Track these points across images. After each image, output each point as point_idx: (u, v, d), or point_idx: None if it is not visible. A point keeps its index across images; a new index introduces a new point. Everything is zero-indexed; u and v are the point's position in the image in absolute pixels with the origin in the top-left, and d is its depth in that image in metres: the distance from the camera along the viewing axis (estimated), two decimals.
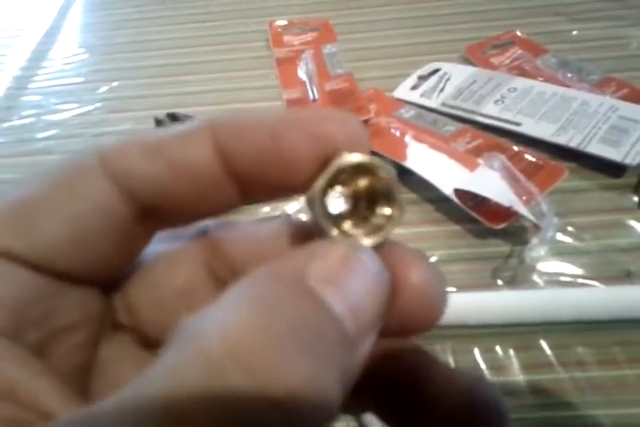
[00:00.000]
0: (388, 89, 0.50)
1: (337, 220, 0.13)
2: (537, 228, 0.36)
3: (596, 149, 0.41)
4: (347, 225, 0.13)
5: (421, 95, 0.49)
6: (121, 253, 0.13)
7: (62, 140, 0.51)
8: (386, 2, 0.62)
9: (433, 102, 0.48)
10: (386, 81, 0.51)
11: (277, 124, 0.13)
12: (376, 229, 0.13)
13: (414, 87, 0.50)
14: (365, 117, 0.46)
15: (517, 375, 0.32)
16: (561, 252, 0.37)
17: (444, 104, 0.48)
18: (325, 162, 0.12)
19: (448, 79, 0.50)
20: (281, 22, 0.60)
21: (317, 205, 0.12)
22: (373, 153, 0.45)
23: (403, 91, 0.50)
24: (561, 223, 0.37)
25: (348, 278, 0.11)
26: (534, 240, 0.36)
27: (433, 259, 0.38)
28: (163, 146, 0.13)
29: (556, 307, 0.33)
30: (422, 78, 0.51)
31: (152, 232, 0.14)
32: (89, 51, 0.61)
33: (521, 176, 0.39)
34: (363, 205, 0.13)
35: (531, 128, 0.44)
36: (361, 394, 0.13)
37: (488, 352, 0.33)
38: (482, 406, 0.12)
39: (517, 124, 0.44)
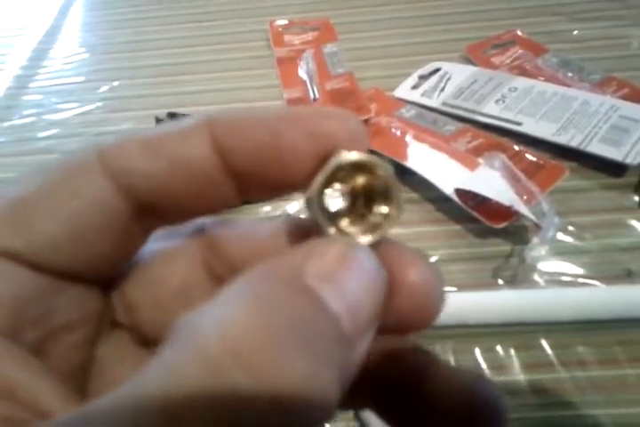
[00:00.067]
0: (389, 88, 0.50)
1: (334, 217, 0.13)
2: (538, 227, 0.36)
3: (596, 148, 0.41)
4: (344, 223, 0.13)
5: (422, 95, 0.49)
6: (119, 250, 0.13)
7: (63, 139, 0.51)
8: (386, 1, 0.62)
9: (433, 102, 0.48)
10: (386, 80, 0.51)
11: (276, 122, 0.12)
12: (374, 228, 0.13)
13: (415, 87, 0.50)
14: (366, 117, 0.46)
15: (518, 375, 0.32)
16: (562, 251, 0.37)
17: (444, 104, 0.48)
18: (324, 160, 0.12)
19: (449, 79, 0.50)
20: (281, 22, 0.60)
21: (315, 202, 0.12)
22: (373, 152, 0.45)
23: (403, 90, 0.50)
24: (562, 223, 0.37)
25: (345, 277, 0.11)
26: (535, 240, 0.36)
27: (434, 258, 0.38)
28: (161, 143, 0.13)
29: (556, 306, 0.33)
30: (423, 78, 0.51)
31: (149, 230, 0.14)
32: (89, 50, 0.61)
33: (522, 176, 0.39)
34: (360, 204, 0.13)
35: (531, 128, 0.44)
36: (360, 393, 0.13)
37: (489, 352, 0.33)
38: (482, 405, 0.12)
39: (518, 123, 0.44)
